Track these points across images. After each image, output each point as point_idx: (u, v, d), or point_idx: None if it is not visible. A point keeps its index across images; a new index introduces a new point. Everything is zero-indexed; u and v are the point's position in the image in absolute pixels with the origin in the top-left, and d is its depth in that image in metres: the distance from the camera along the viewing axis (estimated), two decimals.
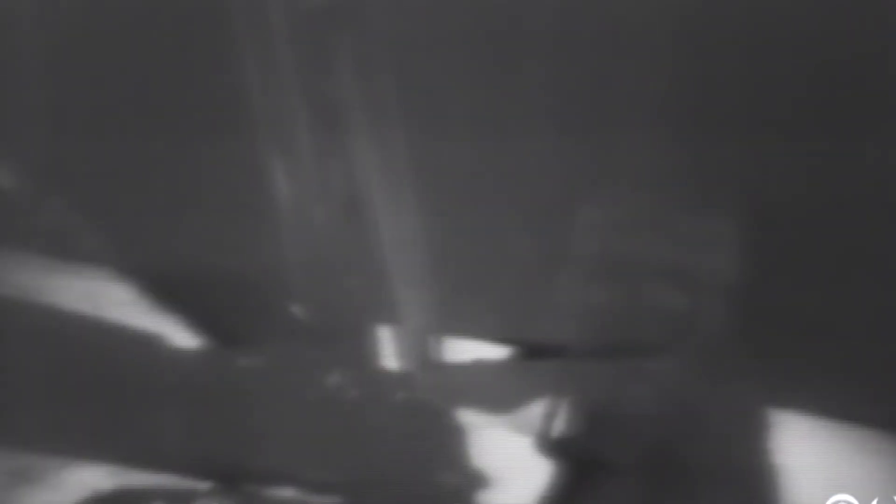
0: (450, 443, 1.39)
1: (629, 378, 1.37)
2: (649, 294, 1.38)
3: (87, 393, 1.39)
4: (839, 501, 1.27)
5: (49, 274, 1.46)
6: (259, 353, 1.43)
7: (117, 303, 1.44)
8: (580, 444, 1.37)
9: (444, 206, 1.40)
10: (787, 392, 1.36)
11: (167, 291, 1.44)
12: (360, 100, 1.36)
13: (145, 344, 1.42)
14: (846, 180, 1.31)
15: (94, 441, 1.39)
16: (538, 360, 1.43)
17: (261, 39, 1.35)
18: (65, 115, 1.42)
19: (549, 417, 1.38)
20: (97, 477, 1.38)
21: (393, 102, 1.36)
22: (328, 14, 1.34)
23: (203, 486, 1.37)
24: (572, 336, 1.40)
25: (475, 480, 1.37)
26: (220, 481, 1.37)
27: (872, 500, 1.27)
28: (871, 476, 1.32)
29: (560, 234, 1.40)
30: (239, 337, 1.44)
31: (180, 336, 1.43)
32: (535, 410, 1.39)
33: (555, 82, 1.36)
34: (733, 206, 1.35)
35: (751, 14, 1.28)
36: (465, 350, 1.45)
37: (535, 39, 1.35)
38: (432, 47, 1.36)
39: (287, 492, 1.37)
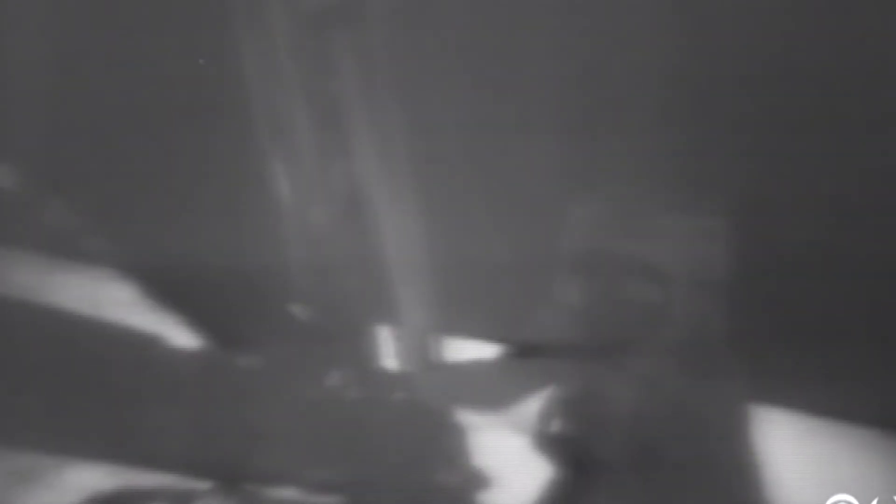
0: (449, 443, 1.39)
1: (626, 377, 1.37)
2: (648, 293, 1.38)
3: (87, 393, 1.39)
4: (839, 501, 1.27)
5: (49, 274, 1.46)
6: (259, 353, 1.43)
7: (117, 303, 1.44)
8: (578, 443, 1.37)
9: (443, 207, 1.40)
10: (786, 392, 1.36)
11: (167, 291, 1.44)
12: (360, 100, 1.36)
13: (145, 344, 1.42)
14: (834, 178, 1.32)
15: (94, 441, 1.39)
16: (537, 360, 1.43)
17: (261, 39, 1.35)
18: (65, 115, 1.42)
19: (548, 416, 1.38)
20: (97, 477, 1.38)
21: (393, 102, 1.36)
22: (328, 14, 1.34)
23: (203, 486, 1.37)
24: (571, 335, 1.40)
25: (475, 480, 1.37)
26: (220, 481, 1.37)
27: (872, 500, 1.27)
28: (871, 476, 1.32)
29: (560, 233, 1.40)
30: (239, 337, 1.44)
31: (180, 336, 1.43)
32: (534, 409, 1.39)
33: (552, 84, 1.36)
34: (724, 205, 1.35)
35: (744, 14, 1.29)
36: (465, 350, 1.45)
37: (532, 41, 1.35)
38: (432, 48, 1.36)
39: (287, 492, 1.37)
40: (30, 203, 1.44)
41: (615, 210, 1.38)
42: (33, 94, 1.41)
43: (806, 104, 1.30)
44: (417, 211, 1.40)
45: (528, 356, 1.44)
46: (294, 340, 1.44)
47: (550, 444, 1.37)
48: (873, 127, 1.30)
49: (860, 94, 1.29)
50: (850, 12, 1.26)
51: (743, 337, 1.35)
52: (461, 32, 1.36)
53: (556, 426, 1.38)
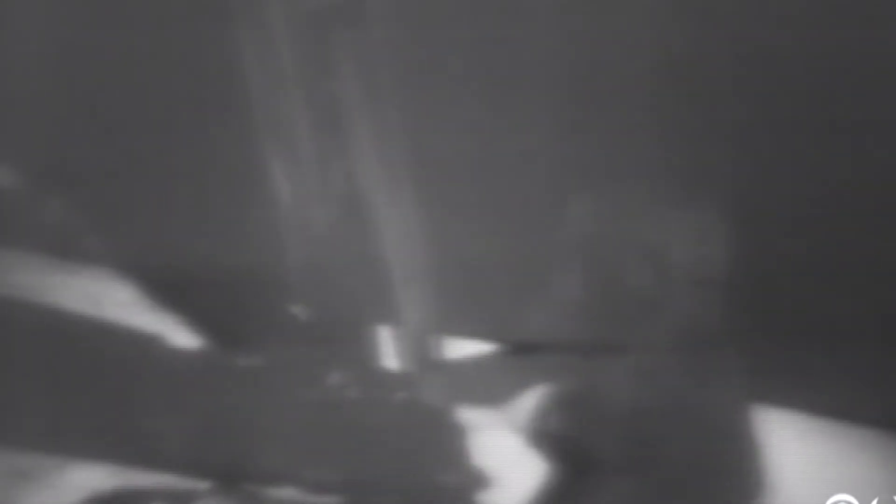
0: (450, 443, 1.39)
1: (626, 375, 1.37)
2: (648, 292, 1.38)
3: (87, 393, 1.39)
4: (839, 501, 1.27)
5: (49, 274, 1.46)
6: (259, 353, 1.42)
7: (117, 303, 1.44)
8: (577, 442, 1.37)
9: (443, 207, 1.40)
10: (786, 392, 1.36)
11: (167, 291, 1.44)
12: (360, 100, 1.36)
13: (145, 344, 1.42)
14: (835, 177, 1.32)
15: (94, 441, 1.39)
16: (537, 359, 1.43)
17: (261, 39, 1.35)
18: (65, 115, 1.42)
19: (548, 415, 1.38)
20: (97, 477, 1.38)
21: (393, 102, 1.36)
22: (328, 14, 1.34)
23: (203, 486, 1.37)
24: (570, 334, 1.40)
25: (475, 480, 1.37)
26: (220, 481, 1.37)
27: (872, 500, 1.27)
28: (871, 476, 1.32)
29: (559, 232, 1.40)
30: (239, 337, 1.44)
31: (180, 336, 1.43)
32: (534, 408, 1.39)
33: (552, 83, 1.36)
34: (724, 202, 1.35)
35: (743, 12, 1.29)
36: (465, 350, 1.45)
37: (532, 41, 1.35)
38: (432, 48, 1.36)
39: (287, 492, 1.37)
40: (30, 203, 1.44)
41: (615, 209, 1.38)
42: (33, 94, 1.41)
43: (807, 103, 1.30)
44: (417, 211, 1.40)
45: (528, 355, 1.44)
46: (294, 340, 1.43)
47: (550, 442, 1.37)
48: (874, 126, 1.30)
49: (861, 92, 1.29)
50: (849, 11, 1.26)
51: (743, 336, 1.35)
52: (461, 32, 1.36)
53: (555, 424, 1.38)
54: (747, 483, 1.33)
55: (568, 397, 1.39)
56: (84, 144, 1.43)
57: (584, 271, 1.39)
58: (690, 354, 1.36)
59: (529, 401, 1.40)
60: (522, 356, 1.44)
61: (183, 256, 1.43)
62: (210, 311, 1.44)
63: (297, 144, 1.39)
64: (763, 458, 1.33)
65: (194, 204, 1.43)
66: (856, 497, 1.27)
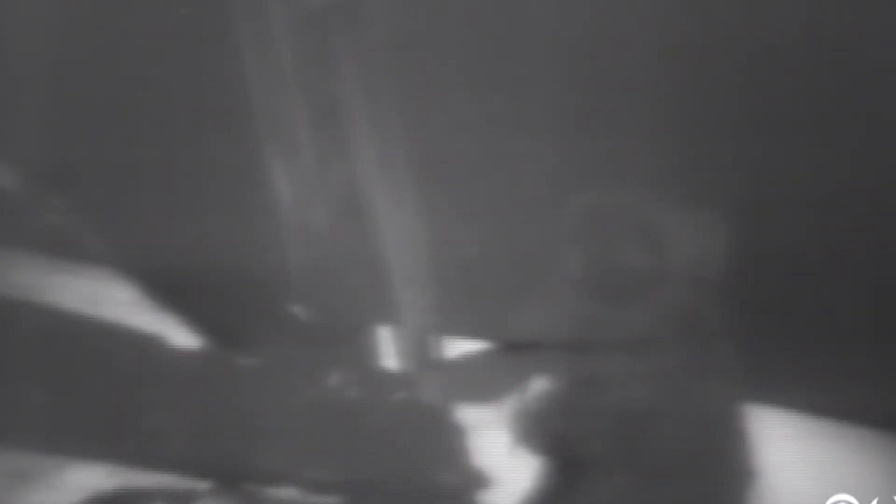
0: (450, 443, 1.39)
1: (626, 375, 1.37)
2: (647, 291, 1.38)
3: (87, 393, 1.39)
4: (839, 501, 1.27)
5: (49, 274, 1.46)
6: (259, 353, 1.43)
7: (117, 303, 1.44)
8: (577, 441, 1.37)
9: (443, 207, 1.40)
10: (786, 392, 1.36)
11: (167, 291, 1.44)
12: (360, 100, 1.36)
13: (145, 344, 1.42)
14: (834, 177, 1.32)
15: (94, 441, 1.39)
16: (536, 359, 1.43)
17: (261, 39, 1.36)
18: (65, 115, 1.42)
19: (547, 415, 1.38)
20: (97, 477, 1.38)
21: (393, 102, 1.36)
22: (328, 14, 1.34)
23: (203, 486, 1.37)
24: (570, 334, 1.40)
25: (475, 480, 1.37)
26: (220, 481, 1.37)
27: (872, 500, 1.27)
28: (871, 476, 1.32)
29: (558, 232, 1.40)
30: (239, 337, 1.44)
31: (180, 336, 1.43)
32: (533, 408, 1.39)
33: (551, 83, 1.36)
34: (723, 202, 1.35)
35: (744, 13, 1.29)
36: (465, 350, 1.45)
37: (532, 41, 1.35)
38: (432, 47, 1.36)
39: (287, 492, 1.37)
40: (30, 203, 1.44)
41: (614, 209, 1.38)
42: (33, 94, 1.41)
43: (807, 102, 1.30)
44: (417, 211, 1.40)
45: (527, 354, 1.44)
46: (294, 340, 1.43)
47: (547, 441, 1.37)
48: (875, 125, 1.30)
49: (862, 92, 1.30)
50: (850, 11, 1.26)
51: (743, 336, 1.35)
52: (460, 32, 1.36)
53: (555, 424, 1.38)
54: (743, 482, 1.33)
55: (566, 396, 1.39)
56: (84, 145, 1.43)
57: (583, 270, 1.40)
58: (689, 353, 1.37)
59: (527, 400, 1.40)
60: (521, 355, 1.44)
61: (183, 256, 1.43)
62: (210, 311, 1.44)
63: (297, 144, 1.39)
64: (759, 457, 1.33)
65: (194, 204, 1.43)
66: (856, 497, 1.27)
